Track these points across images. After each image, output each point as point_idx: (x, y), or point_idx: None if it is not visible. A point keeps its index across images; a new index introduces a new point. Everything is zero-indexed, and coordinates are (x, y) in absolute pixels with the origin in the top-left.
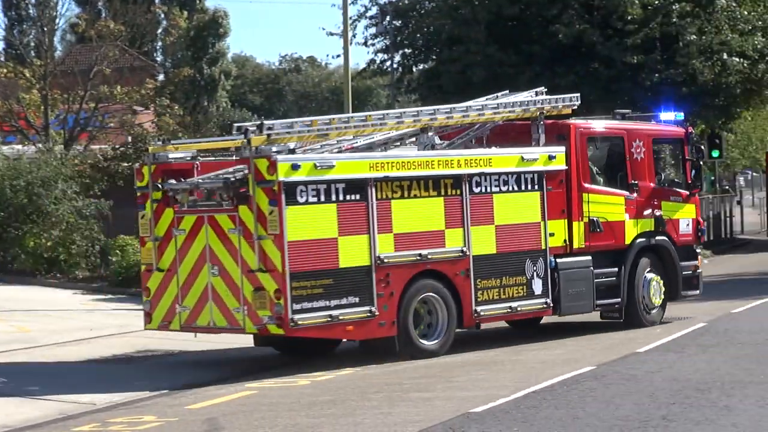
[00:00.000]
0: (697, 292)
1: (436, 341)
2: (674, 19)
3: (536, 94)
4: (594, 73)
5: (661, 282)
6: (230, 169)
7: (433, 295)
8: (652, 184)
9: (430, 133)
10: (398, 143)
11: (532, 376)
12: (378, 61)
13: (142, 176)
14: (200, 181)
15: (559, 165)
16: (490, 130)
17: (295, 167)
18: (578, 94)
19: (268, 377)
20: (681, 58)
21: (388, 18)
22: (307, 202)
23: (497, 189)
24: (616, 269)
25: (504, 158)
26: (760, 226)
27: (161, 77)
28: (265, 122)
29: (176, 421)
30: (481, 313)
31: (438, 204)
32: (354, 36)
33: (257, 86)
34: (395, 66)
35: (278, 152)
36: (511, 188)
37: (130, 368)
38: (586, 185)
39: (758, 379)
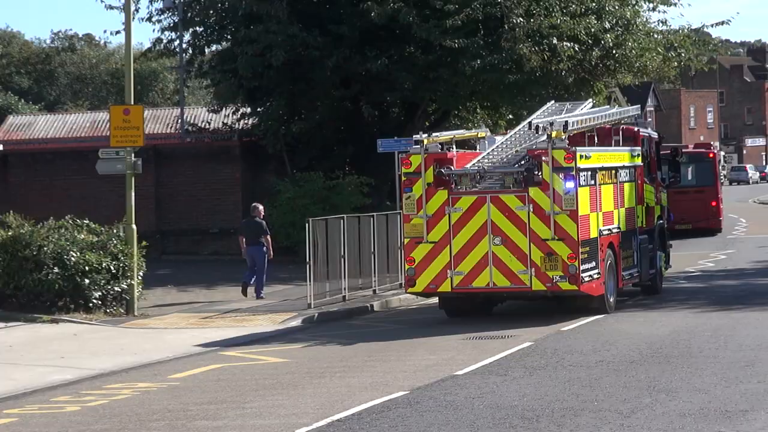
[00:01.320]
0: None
1: (612, 300)
2: (499, 0)
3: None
4: (410, 58)
5: (664, 257)
6: (510, 157)
7: (611, 262)
8: (658, 178)
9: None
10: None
11: (336, 401)
12: (165, 41)
13: (410, 164)
14: (487, 167)
15: (639, 161)
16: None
17: (582, 157)
18: (638, 106)
19: (31, 402)
20: (506, 43)
21: None
22: (582, 185)
23: (625, 179)
24: (651, 245)
25: (622, 155)
26: None
27: None
28: (568, 120)
29: None
30: (625, 277)
31: (611, 189)
32: (137, 10)
33: (25, 67)
34: (184, 46)
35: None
36: (627, 179)
37: None
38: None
39: (592, 406)
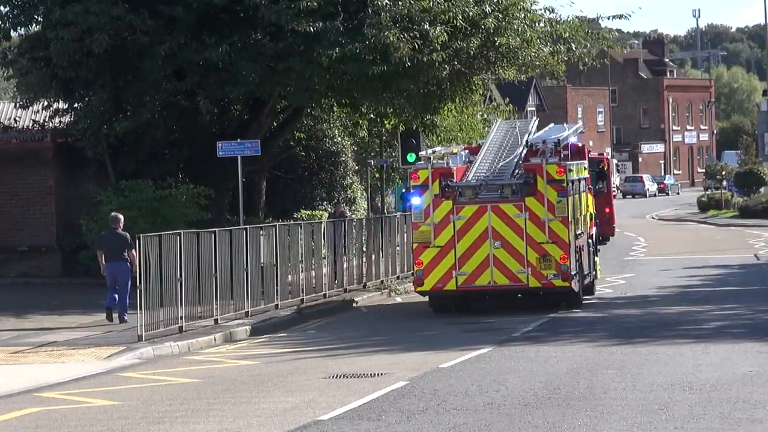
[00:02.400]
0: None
1: (581, 297)
2: None
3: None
4: (256, 46)
5: (598, 261)
6: (502, 170)
7: (580, 263)
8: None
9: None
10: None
11: None
12: None
13: (418, 177)
14: (488, 180)
15: (586, 173)
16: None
17: (568, 170)
18: (581, 125)
19: None
20: (370, 29)
21: None
22: (569, 195)
23: (582, 189)
24: (592, 249)
25: (583, 168)
26: None
27: None
28: (560, 138)
29: None
30: (585, 277)
31: (578, 199)
32: None
33: None
34: None
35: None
36: (583, 189)
37: None
38: (589, 187)
39: None
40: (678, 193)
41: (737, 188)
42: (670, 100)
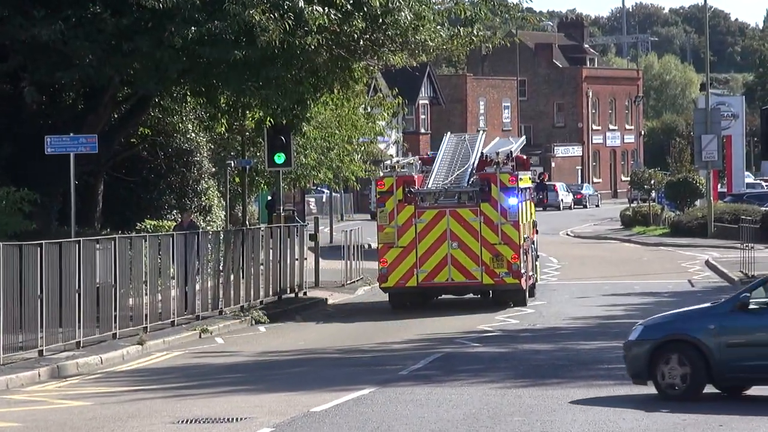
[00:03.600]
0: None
1: (528, 296)
2: None
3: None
4: (94, 22)
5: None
6: (458, 178)
7: (527, 265)
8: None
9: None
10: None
11: None
12: None
13: (384, 185)
14: (447, 187)
15: (530, 183)
16: None
17: (519, 179)
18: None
19: None
20: (232, 5)
21: None
22: (520, 201)
23: (528, 198)
24: (534, 254)
25: (528, 178)
26: (342, 274)
27: None
28: (512, 150)
29: None
30: (530, 278)
31: (525, 206)
32: None
33: None
34: None
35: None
36: (528, 197)
37: None
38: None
39: None
40: (597, 206)
41: (668, 200)
42: (590, 94)
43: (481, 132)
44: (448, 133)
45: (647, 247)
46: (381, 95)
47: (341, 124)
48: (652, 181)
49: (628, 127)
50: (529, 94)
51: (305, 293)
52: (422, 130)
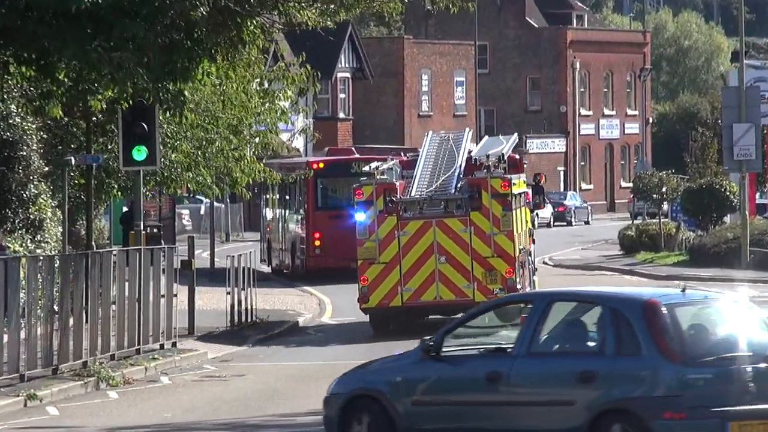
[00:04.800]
0: None
1: None
2: None
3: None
4: None
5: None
6: (444, 184)
7: (523, 278)
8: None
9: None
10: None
11: None
12: None
13: (362, 193)
14: (432, 195)
15: (525, 188)
16: None
17: (512, 184)
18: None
19: None
20: None
21: None
22: (513, 209)
23: (522, 204)
24: (531, 266)
25: (522, 182)
26: (226, 317)
27: None
28: (503, 152)
29: None
30: (535, 283)
31: (519, 213)
32: None
33: None
34: None
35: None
36: (523, 203)
37: None
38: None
39: None
40: (587, 222)
41: (686, 216)
42: (578, 65)
43: (467, 130)
44: (430, 132)
45: (658, 282)
46: (283, 65)
47: (227, 104)
48: (664, 189)
49: (630, 112)
50: (491, 64)
51: (174, 344)
52: (341, 115)
